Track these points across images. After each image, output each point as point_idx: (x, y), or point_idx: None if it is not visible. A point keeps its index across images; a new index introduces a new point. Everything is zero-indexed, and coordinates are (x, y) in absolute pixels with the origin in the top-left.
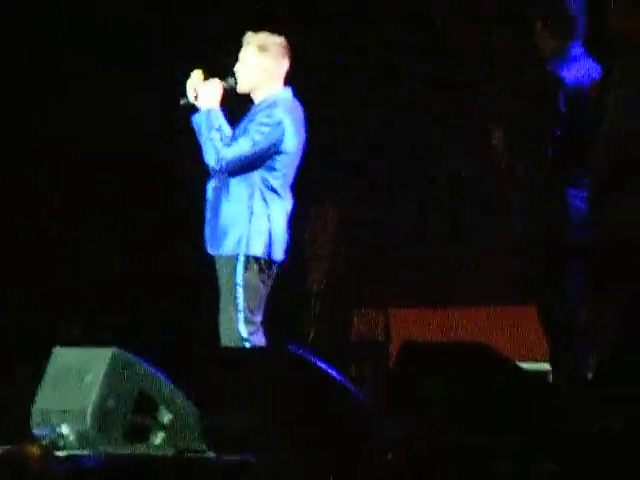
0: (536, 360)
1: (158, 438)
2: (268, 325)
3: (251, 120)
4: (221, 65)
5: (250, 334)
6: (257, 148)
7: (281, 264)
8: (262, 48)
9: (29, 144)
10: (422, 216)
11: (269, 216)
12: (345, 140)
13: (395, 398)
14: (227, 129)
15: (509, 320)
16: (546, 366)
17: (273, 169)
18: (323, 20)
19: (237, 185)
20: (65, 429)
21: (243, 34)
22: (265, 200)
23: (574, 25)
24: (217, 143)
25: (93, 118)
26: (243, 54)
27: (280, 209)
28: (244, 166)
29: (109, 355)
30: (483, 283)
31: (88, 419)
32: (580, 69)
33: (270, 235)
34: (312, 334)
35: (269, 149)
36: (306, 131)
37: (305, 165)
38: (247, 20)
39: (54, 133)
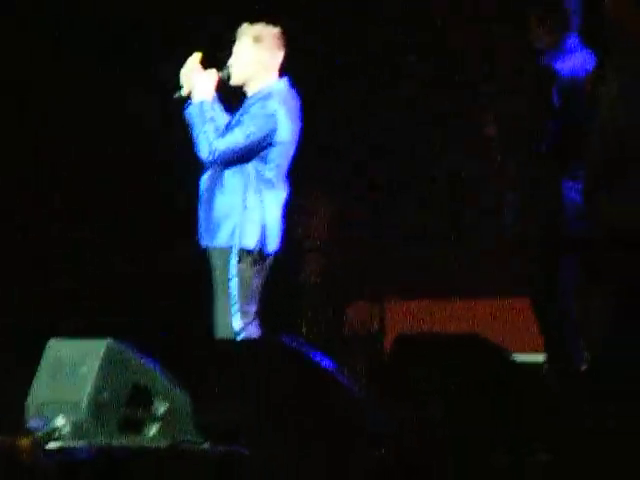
0: (532, 352)
1: (153, 430)
2: (262, 317)
3: (245, 111)
4: (216, 57)
5: (244, 326)
6: (250, 139)
7: (275, 256)
8: (257, 39)
9: (29, 144)
10: (421, 215)
11: (263, 208)
12: (344, 137)
13: (388, 391)
14: (223, 118)
15: (504, 312)
16: (541, 358)
17: (267, 160)
18: (323, 20)
19: (231, 177)
20: (60, 421)
21: (239, 26)
22: (259, 192)
23: (569, 19)
24: (210, 134)
25: (93, 118)
26: (238, 46)
27: (274, 201)
28: (237, 157)
29: (104, 347)
30: (478, 276)
31: (83, 411)
32: (575, 61)
33: (264, 227)
34: (306, 326)
35: (262, 140)
36: (301, 121)
37: (301, 157)
38: (245, 13)
39: (54, 133)
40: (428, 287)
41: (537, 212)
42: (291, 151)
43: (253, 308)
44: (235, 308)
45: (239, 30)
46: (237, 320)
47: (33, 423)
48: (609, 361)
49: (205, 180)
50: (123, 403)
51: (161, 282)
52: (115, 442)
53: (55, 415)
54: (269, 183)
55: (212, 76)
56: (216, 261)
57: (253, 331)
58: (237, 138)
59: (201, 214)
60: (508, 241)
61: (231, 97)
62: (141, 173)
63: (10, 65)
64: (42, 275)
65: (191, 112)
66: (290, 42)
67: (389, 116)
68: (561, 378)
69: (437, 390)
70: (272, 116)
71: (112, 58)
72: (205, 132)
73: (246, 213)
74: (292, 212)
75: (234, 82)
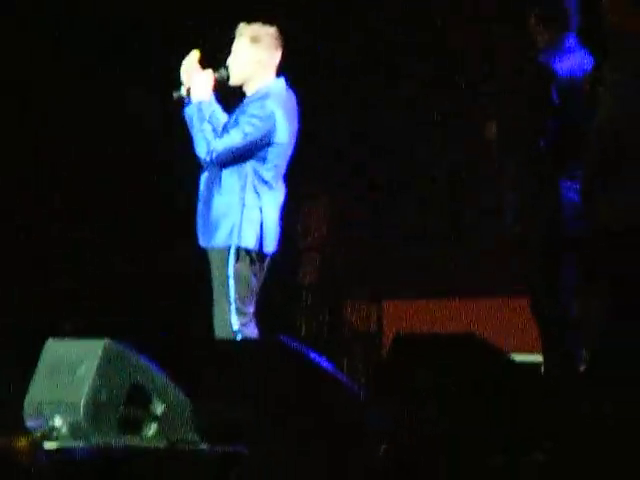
0: (530, 352)
1: (151, 430)
2: (260, 317)
3: (243, 112)
4: (215, 56)
5: (242, 325)
6: (248, 140)
7: (273, 256)
8: (254, 39)
9: (29, 144)
10: (420, 215)
11: (261, 208)
12: (344, 137)
13: (385, 390)
14: (222, 118)
15: (503, 312)
16: (539, 358)
17: (265, 160)
18: (323, 19)
19: (229, 177)
20: (58, 421)
21: (236, 26)
22: (257, 192)
23: (568, 19)
24: (208, 135)
25: (93, 118)
26: (236, 46)
27: (272, 201)
28: (235, 158)
29: (102, 347)
30: (478, 276)
31: (81, 411)
32: (573, 61)
33: (262, 227)
34: (304, 326)
35: (260, 141)
36: (299, 122)
37: (299, 157)
38: (242, 11)
39: (54, 133)
40: (427, 287)
41: (536, 212)
42: (289, 151)
43: (251, 308)
44: (233, 308)
45: (237, 30)
46: (235, 320)
47: (31, 423)
48: (607, 359)
49: (203, 180)
50: (121, 403)
51: (161, 282)
52: (113, 442)
53: (53, 415)
54: (267, 183)
55: (210, 76)
56: (214, 261)
57: (250, 331)
58: (235, 139)
59: (199, 214)
60: (508, 241)
61: (230, 96)
62: (141, 173)
63: (10, 65)
64: (42, 275)
65: (189, 112)
66: (290, 42)
67: (388, 116)
68: (559, 377)
69: (435, 389)
70: (270, 116)
71: (112, 58)
72: (203, 132)
73: (244, 213)
74: (290, 212)
75: (232, 82)
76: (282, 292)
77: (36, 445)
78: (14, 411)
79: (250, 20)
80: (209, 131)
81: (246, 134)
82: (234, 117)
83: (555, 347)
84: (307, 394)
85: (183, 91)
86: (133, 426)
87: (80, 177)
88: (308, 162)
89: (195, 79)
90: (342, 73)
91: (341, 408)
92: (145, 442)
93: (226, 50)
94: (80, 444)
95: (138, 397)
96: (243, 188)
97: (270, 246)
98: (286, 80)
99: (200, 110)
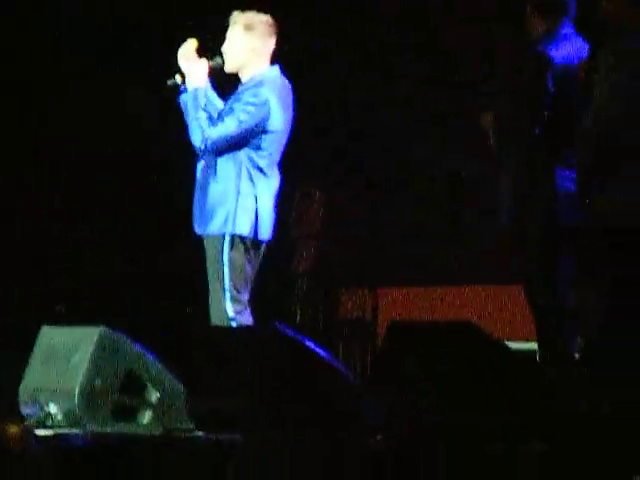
0: (526, 340)
1: (146, 417)
2: (255, 304)
3: (237, 99)
4: (209, 44)
5: (237, 313)
6: (242, 128)
7: (268, 243)
8: (248, 27)
9: (29, 144)
10: (418, 212)
11: (256, 195)
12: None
13: (380, 378)
14: (217, 105)
15: (498, 300)
16: (535, 345)
17: (259, 148)
18: (320, 18)
19: (224, 164)
20: (53, 408)
21: (230, 13)
22: (252, 179)
23: (565, 6)
24: (203, 122)
25: (93, 118)
26: (230, 33)
27: (267, 188)
28: (229, 145)
29: (97, 334)
30: (472, 262)
31: (76, 398)
32: (569, 48)
33: (257, 214)
34: (299, 314)
35: (255, 128)
36: (294, 110)
37: (295, 146)
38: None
39: (54, 133)
40: (423, 277)
41: (533, 201)
42: (284, 139)
43: (246, 296)
44: (228, 295)
45: (230, 18)
46: (230, 307)
47: (26, 410)
48: (603, 348)
49: (200, 168)
50: (116, 390)
51: (161, 282)
52: (108, 429)
53: (48, 402)
54: (262, 171)
55: (205, 64)
56: (210, 248)
57: (246, 319)
58: (229, 127)
59: (196, 202)
60: (506, 239)
61: (226, 83)
62: (141, 173)
63: (10, 65)
64: (42, 275)
65: (185, 100)
66: (287, 41)
67: (385, 114)
68: (555, 365)
69: (430, 377)
70: (264, 104)
71: (112, 58)
72: (198, 120)
73: (239, 200)
74: (285, 199)
75: (227, 70)
76: (277, 280)
77: (28, 432)
78: (8, 398)
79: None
80: (204, 119)
81: (240, 122)
82: (229, 104)
83: (551, 336)
84: (302, 382)
85: (178, 78)
86: (128, 414)
87: (80, 177)
88: (304, 154)
89: (191, 66)
90: (339, 71)
91: (337, 396)
92: (140, 430)
93: (221, 38)
94: (75, 431)
95: (133, 385)
96: (238, 175)
97: (265, 234)
98: (281, 69)
99: (195, 98)
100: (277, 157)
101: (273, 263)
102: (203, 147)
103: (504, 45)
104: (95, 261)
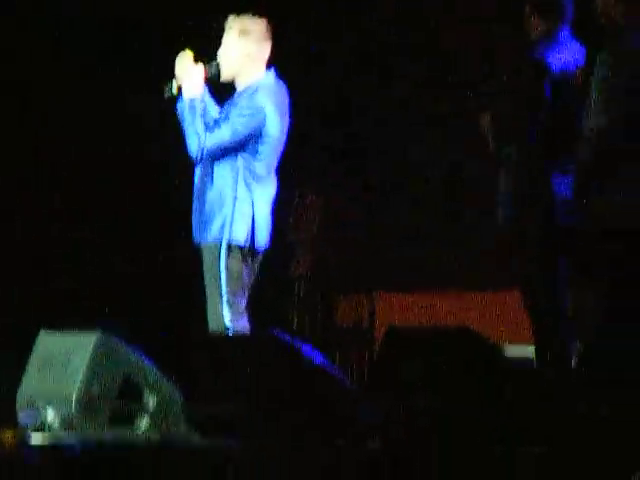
0: (523, 344)
1: (143, 423)
2: (252, 310)
3: (233, 106)
4: (206, 51)
5: (234, 320)
6: (238, 135)
7: (265, 251)
8: (243, 32)
9: (29, 144)
10: (415, 214)
11: (252, 202)
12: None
13: (377, 383)
14: (214, 112)
15: (495, 305)
16: (532, 350)
17: (256, 154)
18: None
19: (221, 172)
20: (50, 414)
21: (226, 15)
22: (248, 186)
23: (563, 8)
24: (200, 130)
25: (93, 118)
26: (225, 40)
27: (264, 195)
28: (225, 153)
29: (94, 340)
30: (470, 265)
31: (73, 404)
32: (567, 53)
33: (253, 220)
34: (296, 319)
35: (251, 135)
36: (291, 116)
37: (292, 150)
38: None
39: (54, 133)
40: (420, 281)
41: (533, 202)
42: (280, 146)
43: (243, 302)
44: (225, 302)
45: (226, 24)
46: (227, 314)
47: (23, 416)
48: (601, 351)
49: (197, 175)
50: (113, 396)
51: (161, 282)
52: (105, 435)
53: (45, 408)
54: (259, 177)
55: (202, 71)
56: (207, 255)
57: (243, 325)
58: (225, 134)
59: (194, 210)
60: (504, 234)
61: (223, 89)
62: (141, 173)
63: (10, 65)
64: (42, 275)
65: (182, 109)
66: (283, 42)
67: (382, 116)
68: (553, 367)
69: (427, 383)
70: (260, 111)
71: (112, 58)
72: (195, 128)
73: (236, 207)
74: (282, 205)
75: (222, 78)
76: (274, 285)
77: (22, 437)
78: (5, 403)
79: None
80: (201, 127)
81: (236, 129)
82: (225, 112)
83: (548, 338)
84: (300, 388)
85: (174, 89)
86: (125, 419)
87: (80, 177)
88: (301, 158)
89: (187, 75)
90: (336, 72)
91: (334, 402)
92: (137, 436)
93: (217, 44)
94: (72, 437)
95: (130, 390)
96: (235, 182)
97: (262, 241)
98: (276, 72)
99: (192, 107)
100: (274, 163)
101: (270, 268)
102: (199, 155)
103: (504, 45)
104: (95, 261)
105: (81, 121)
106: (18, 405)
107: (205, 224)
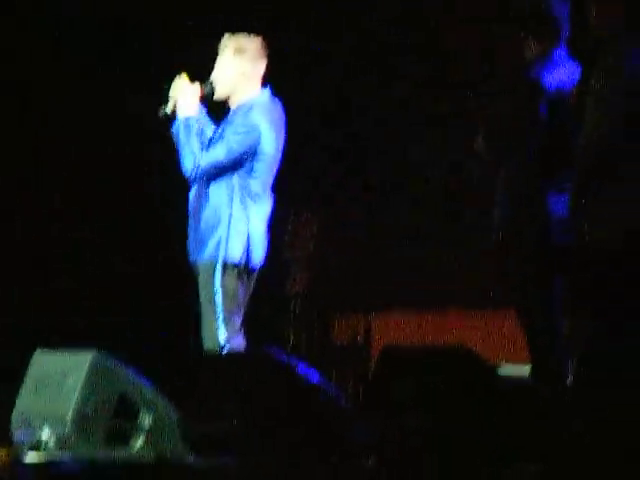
0: (518, 363)
1: (139, 442)
2: (248, 328)
3: (227, 125)
4: (201, 70)
5: (229, 338)
6: (232, 154)
7: (261, 269)
8: (238, 50)
9: (29, 144)
10: (413, 218)
11: (248, 220)
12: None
13: (372, 402)
14: (209, 132)
15: (491, 324)
16: (528, 369)
17: (251, 172)
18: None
19: (216, 190)
20: (45, 433)
21: (222, 36)
22: (244, 203)
23: (558, 28)
24: (195, 149)
25: (93, 118)
26: (220, 59)
27: (259, 213)
28: (221, 171)
29: (89, 359)
30: (466, 285)
31: (68, 423)
32: (562, 73)
33: (249, 239)
34: (292, 337)
35: (246, 154)
36: (286, 132)
37: (287, 167)
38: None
39: (54, 133)
40: (417, 298)
41: (529, 220)
42: (276, 163)
43: (238, 320)
44: (220, 320)
45: (221, 43)
46: (222, 332)
47: (18, 435)
48: (595, 372)
49: (192, 194)
50: (109, 415)
51: (161, 282)
52: (101, 454)
53: (40, 427)
54: (254, 195)
55: (196, 90)
56: (202, 274)
57: (238, 343)
58: (220, 153)
59: (190, 229)
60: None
61: (218, 107)
62: (141, 173)
63: (10, 65)
64: (42, 275)
65: (177, 129)
66: (283, 42)
67: (382, 116)
68: (548, 385)
69: (423, 402)
70: (255, 129)
71: (112, 58)
72: (190, 147)
73: (231, 225)
74: (278, 223)
75: (217, 96)
76: (270, 302)
77: (17, 456)
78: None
79: (241, 23)
80: (196, 146)
81: (231, 147)
82: (220, 130)
83: (544, 356)
84: (295, 406)
85: (169, 109)
86: (121, 438)
87: (80, 177)
88: (295, 172)
89: (182, 94)
90: (336, 73)
91: (329, 420)
92: (133, 454)
93: (213, 63)
94: (67, 456)
95: (126, 409)
96: (230, 200)
97: (257, 259)
98: (271, 89)
99: (187, 126)
100: (269, 180)
101: (266, 286)
102: (194, 175)
103: (504, 45)
104: (95, 261)
105: (81, 121)
106: (13, 424)
107: (201, 242)
